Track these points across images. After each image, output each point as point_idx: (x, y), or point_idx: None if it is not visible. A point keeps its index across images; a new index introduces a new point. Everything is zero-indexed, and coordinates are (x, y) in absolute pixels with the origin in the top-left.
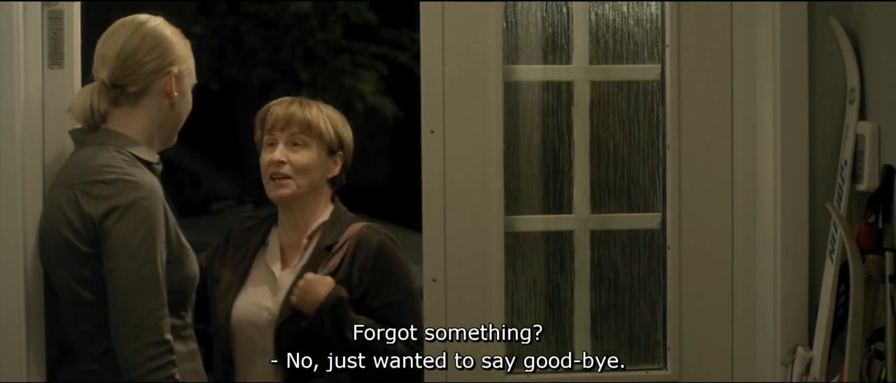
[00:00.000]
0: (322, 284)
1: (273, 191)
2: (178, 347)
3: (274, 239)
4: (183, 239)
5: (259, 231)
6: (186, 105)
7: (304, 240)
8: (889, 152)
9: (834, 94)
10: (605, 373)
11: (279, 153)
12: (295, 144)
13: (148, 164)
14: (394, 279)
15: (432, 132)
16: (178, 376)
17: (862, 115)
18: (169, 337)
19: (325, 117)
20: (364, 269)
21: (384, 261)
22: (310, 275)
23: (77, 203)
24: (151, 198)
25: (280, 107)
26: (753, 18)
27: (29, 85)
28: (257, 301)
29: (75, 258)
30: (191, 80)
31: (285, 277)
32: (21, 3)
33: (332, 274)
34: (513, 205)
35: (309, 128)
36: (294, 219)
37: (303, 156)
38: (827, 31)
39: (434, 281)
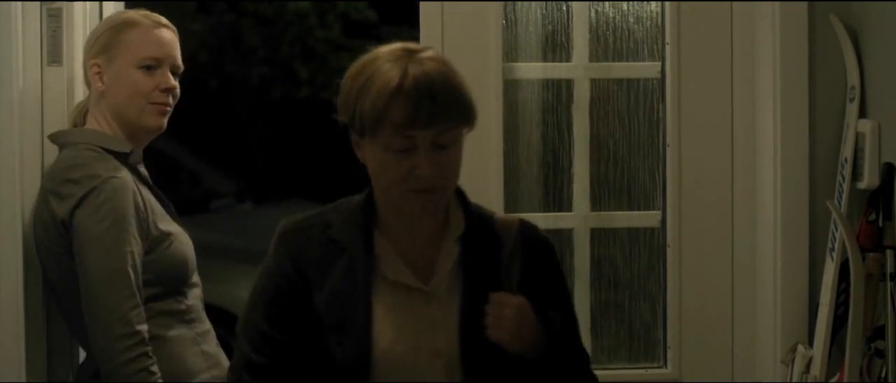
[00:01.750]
0: (519, 307)
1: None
2: (182, 332)
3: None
4: (166, 224)
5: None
6: (122, 92)
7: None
8: (889, 150)
9: (834, 91)
10: (604, 371)
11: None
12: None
13: (121, 155)
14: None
15: None
16: (154, 367)
17: (862, 113)
18: (140, 328)
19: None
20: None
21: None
22: (502, 296)
23: (49, 206)
24: (116, 190)
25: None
26: (753, 16)
27: (27, 82)
28: (413, 343)
29: (56, 261)
30: (126, 63)
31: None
32: (20, 3)
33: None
34: (512, 203)
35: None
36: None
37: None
38: (827, 29)
39: None
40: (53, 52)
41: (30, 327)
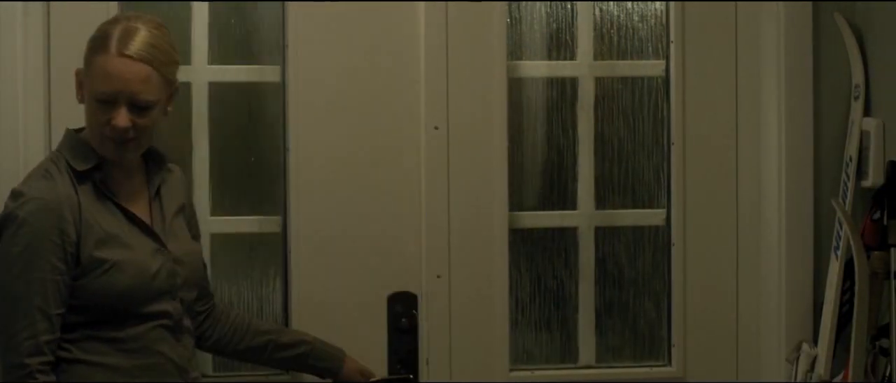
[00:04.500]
0: None
1: None
2: (119, 361)
3: None
4: (111, 250)
5: None
6: (87, 115)
7: None
8: (894, 148)
9: (839, 90)
10: (609, 370)
11: None
12: None
13: (78, 173)
14: None
15: (436, 128)
16: None
17: (867, 112)
18: (32, 360)
19: None
20: None
21: None
22: None
23: None
24: (39, 212)
25: None
26: (758, 14)
27: (28, 81)
28: None
29: None
30: (89, 89)
31: None
32: (21, 3)
33: None
34: (517, 201)
35: None
36: None
37: None
38: (832, 28)
39: (438, 277)
40: None
41: None
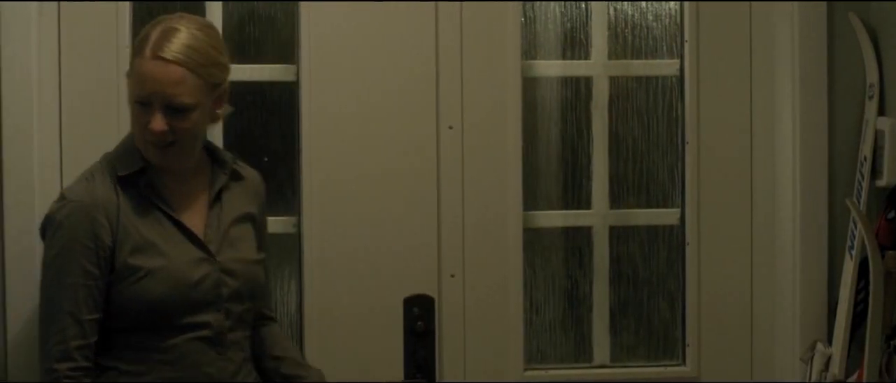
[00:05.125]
0: None
1: None
2: (161, 371)
3: None
4: (141, 258)
5: None
6: (131, 116)
7: None
8: None
9: (853, 89)
10: (624, 370)
11: None
12: None
13: (121, 177)
14: None
15: (450, 128)
16: None
17: (881, 111)
18: (59, 366)
19: None
20: None
21: None
22: None
23: None
24: (73, 215)
25: None
26: (772, 14)
27: (43, 85)
28: None
29: None
30: (130, 92)
31: None
32: (35, 3)
33: None
34: (531, 200)
35: None
36: None
37: None
38: (846, 28)
39: (452, 277)
40: None
41: None
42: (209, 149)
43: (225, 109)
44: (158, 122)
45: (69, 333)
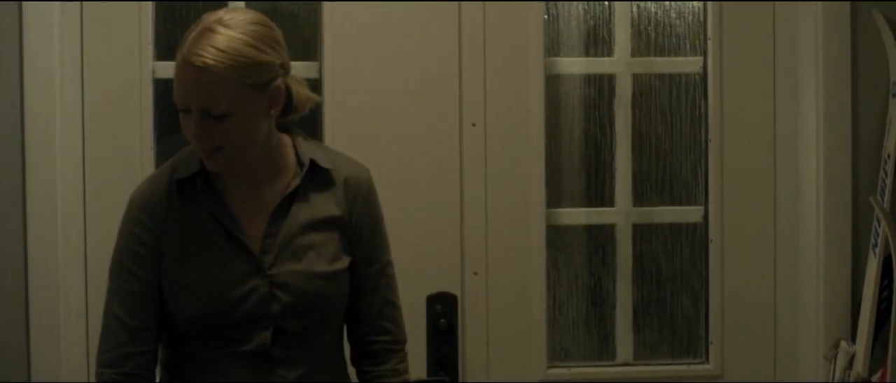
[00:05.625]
0: None
1: None
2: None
3: None
4: (180, 271)
5: None
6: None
7: None
8: None
9: (877, 87)
10: (647, 367)
11: None
12: None
13: (179, 181)
14: None
15: (473, 125)
16: None
17: None
18: (104, 371)
19: None
20: None
21: None
22: None
23: None
24: (129, 212)
25: None
26: (796, 12)
27: (66, 85)
28: None
29: None
30: (174, 93)
31: None
32: (58, 3)
33: None
34: (554, 198)
35: None
36: None
37: None
38: (870, 25)
39: (475, 274)
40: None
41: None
42: (295, 146)
43: (307, 100)
44: (196, 129)
45: (119, 338)
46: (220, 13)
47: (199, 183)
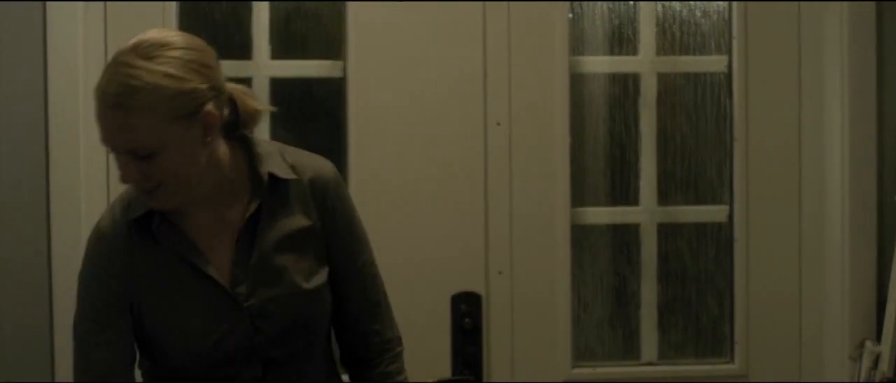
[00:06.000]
0: None
1: None
2: None
3: None
4: (150, 318)
5: None
6: None
7: None
8: None
9: None
10: (671, 367)
11: None
12: None
13: (135, 221)
14: None
15: (498, 124)
16: None
17: None
18: None
19: None
20: None
21: None
22: None
23: None
24: (90, 261)
25: None
26: (822, 13)
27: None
28: None
29: None
30: None
31: None
32: (82, 3)
33: None
34: (579, 197)
35: None
36: None
37: None
38: (895, 25)
39: (500, 273)
40: None
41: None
42: (252, 159)
43: (256, 113)
44: (125, 171)
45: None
46: (135, 41)
47: (156, 219)
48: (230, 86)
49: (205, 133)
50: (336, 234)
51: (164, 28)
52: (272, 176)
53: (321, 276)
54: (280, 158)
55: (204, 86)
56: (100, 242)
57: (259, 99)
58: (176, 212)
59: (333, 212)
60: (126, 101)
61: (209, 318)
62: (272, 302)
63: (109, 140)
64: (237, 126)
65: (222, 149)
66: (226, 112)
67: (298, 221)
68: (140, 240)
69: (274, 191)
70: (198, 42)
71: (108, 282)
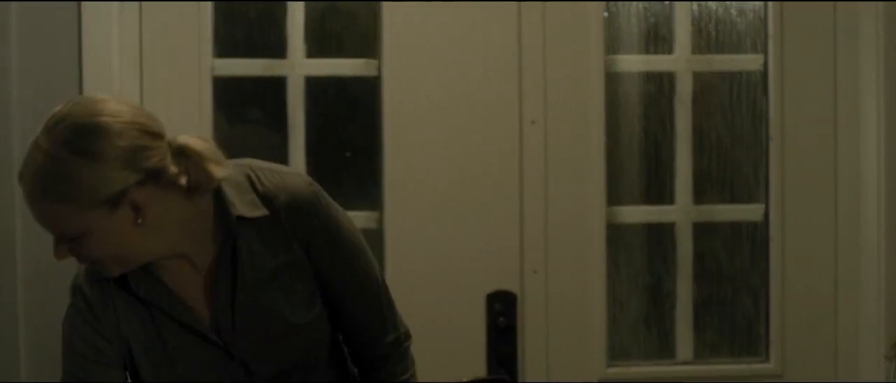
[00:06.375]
0: None
1: None
2: None
3: None
4: (159, 376)
5: None
6: None
7: None
8: None
9: None
10: (706, 367)
11: None
12: None
13: (115, 280)
14: None
15: (533, 123)
16: None
17: None
18: None
19: None
20: None
21: None
22: None
23: None
24: (74, 318)
25: None
26: (858, 13)
27: (125, 84)
28: None
29: None
30: None
31: None
32: (117, 3)
33: None
34: (614, 196)
35: None
36: None
37: None
38: None
39: (535, 273)
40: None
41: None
42: (219, 201)
43: (211, 181)
44: (59, 249)
45: None
46: (54, 116)
47: (133, 273)
48: (192, 148)
49: (136, 217)
50: (324, 250)
51: (104, 97)
52: (241, 218)
53: (314, 309)
54: (250, 190)
55: (122, 172)
56: (84, 304)
57: (223, 162)
58: (151, 264)
59: (315, 232)
60: (43, 194)
61: (204, 370)
62: (261, 343)
63: (37, 220)
64: (192, 192)
65: (184, 209)
66: (182, 180)
67: (280, 257)
68: (122, 292)
69: (249, 229)
70: (135, 118)
71: (96, 341)
